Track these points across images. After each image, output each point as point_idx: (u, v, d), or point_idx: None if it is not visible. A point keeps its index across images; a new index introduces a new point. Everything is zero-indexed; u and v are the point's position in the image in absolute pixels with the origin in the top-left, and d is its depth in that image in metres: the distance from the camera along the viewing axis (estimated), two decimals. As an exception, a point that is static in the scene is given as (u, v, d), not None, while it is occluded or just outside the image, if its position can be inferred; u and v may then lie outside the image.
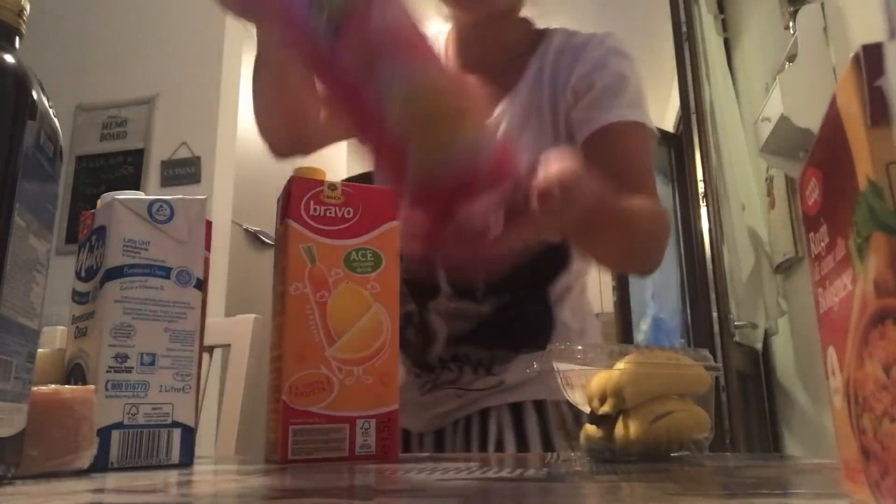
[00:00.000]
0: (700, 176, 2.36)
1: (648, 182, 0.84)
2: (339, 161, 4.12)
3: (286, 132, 0.88)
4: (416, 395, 0.90)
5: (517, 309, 0.86)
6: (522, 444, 0.83)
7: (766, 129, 2.06)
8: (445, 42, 0.96)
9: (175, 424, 0.54)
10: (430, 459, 0.60)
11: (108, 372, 0.52)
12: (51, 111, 0.43)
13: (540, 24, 0.95)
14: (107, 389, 0.51)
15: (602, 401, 0.54)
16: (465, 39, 0.95)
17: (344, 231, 0.61)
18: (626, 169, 0.82)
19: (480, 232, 0.46)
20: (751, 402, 2.45)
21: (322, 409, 0.57)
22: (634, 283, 2.78)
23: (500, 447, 0.84)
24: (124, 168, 2.73)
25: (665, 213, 0.84)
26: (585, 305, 0.92)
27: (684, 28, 2.49)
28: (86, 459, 0.46)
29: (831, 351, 0.26)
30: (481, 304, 0.86)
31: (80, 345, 0.55)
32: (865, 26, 1.59)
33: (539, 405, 0.85)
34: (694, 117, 2.38)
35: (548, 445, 0.82)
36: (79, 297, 0.58)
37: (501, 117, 0.87)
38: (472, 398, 0.87)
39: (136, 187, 2.61)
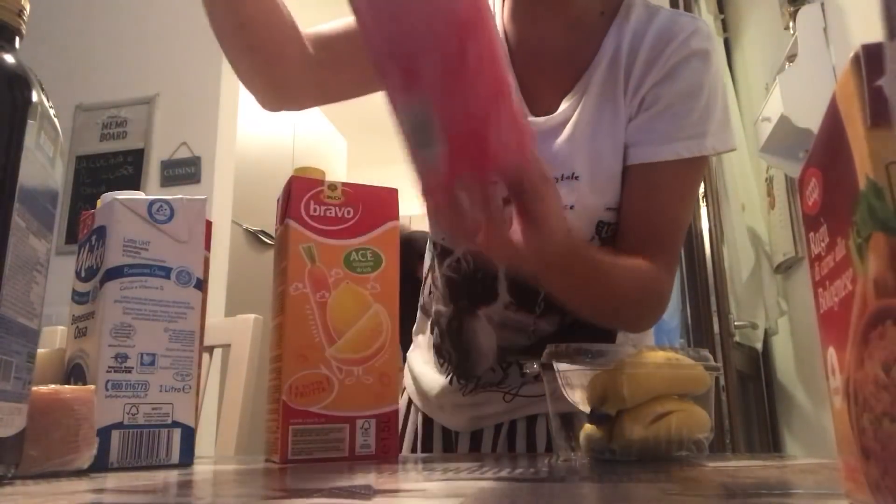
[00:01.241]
0: (700, 176, 2.36)
1: (668, 238, 0.76)
2: (339, 161, 4.13)
3: (261, 75, 0.79)
4: (455, 396, 0.84)
5: (581, 332, 0.78)
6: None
7: (766, 129, 2.06)
8: (502, 9, 0.85)
9: (175, 424, 0.54)
10: (431, 460, 0.60)
11: (108, 372, 0.52)
12: (51, 111, 0.43)
13: None
14: (107, 389, 0.51)
15: (602, 401, 0.54)
16: (521, 16, 0.83)
17: (344, 231, 0.61)
18: (652, 217, 0.75)
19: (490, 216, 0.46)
20: (751, 402, 2.46)
21: (322, 409, 0.57)
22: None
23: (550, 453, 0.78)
24: (124, 168, 2.73)
25: (658, 281, 0.75)
26: (646, 337, 0.86)
27: (684, 28, 2.49)
28: (86, 459, 0.46)
29: (831, 351, 0.26)
30: (539, 319, 0.79)
31: (80, 345, 0.55)
32: (865, 26, 1.59)
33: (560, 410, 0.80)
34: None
35: None
36: (79, 297, 0.58)
37: (572, 109, 0.77)
38: (518, 403, 0.81)
39: (136, 187, 2.61)
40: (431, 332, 0.89)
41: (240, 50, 0.78)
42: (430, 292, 0.91)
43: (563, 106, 0.78)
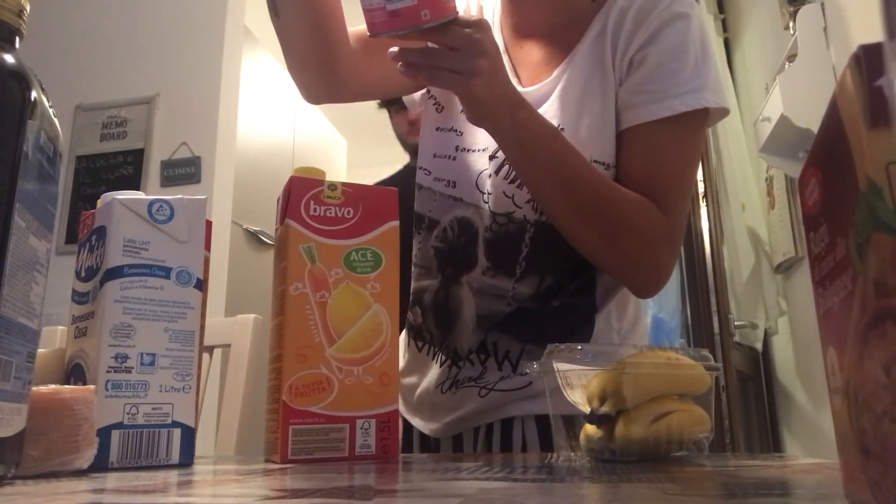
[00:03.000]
0: (700, 176, 2.36)
1: (672, 199, 0.76)
2: (339, 161, 4.13)
3: (320, 57, 0.85)
4: (434, 395, 0.84)
5: (559, 297, 0.80)
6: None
7: (766, 129, 2.06)
8: (500, 23, 0.91)
9: (175, 424, 0.54)
10: (430, 460, 0.60)
11: (108, 372, 0.52)
12: (51, 111, 0.43)
13: None
14: (107, 389, 0.51)
15: (602, 401, 0.54)
16: (514, 6, 0.90)
17: (344, 231, 0.61)
18: (654, 178, 0.76)
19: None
20: (751, 402, 2.46)
21: (322, 408, 0.57)
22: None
23: None
24: (124, 168, 2.73)
25: (664, 226, 0.75)
26: (632, 309, 0.85)
27: (684, 28, 2.49)
28: (86, 459, 0.46)
29: (831, 351, 0.26)
30: (519, 283, 0.79)
31: (80, 345, 0.55)
32: (865, 26, 1.59)
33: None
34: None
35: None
36: (79, 297, 0.58)
37: (561, 76, 0.81)
38: (495, 400, 0.80)
39: (136, 187, 2.61)
40: (411, 319, 0.89)
41: (309, 28, 0.83)
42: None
43: (555, 73, 0.82)
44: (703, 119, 0.78)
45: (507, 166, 0.80)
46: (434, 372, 0.85)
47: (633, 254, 0.76)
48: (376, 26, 0.66)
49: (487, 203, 0.81)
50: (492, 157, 0.82)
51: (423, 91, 0.93)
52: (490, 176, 0.81)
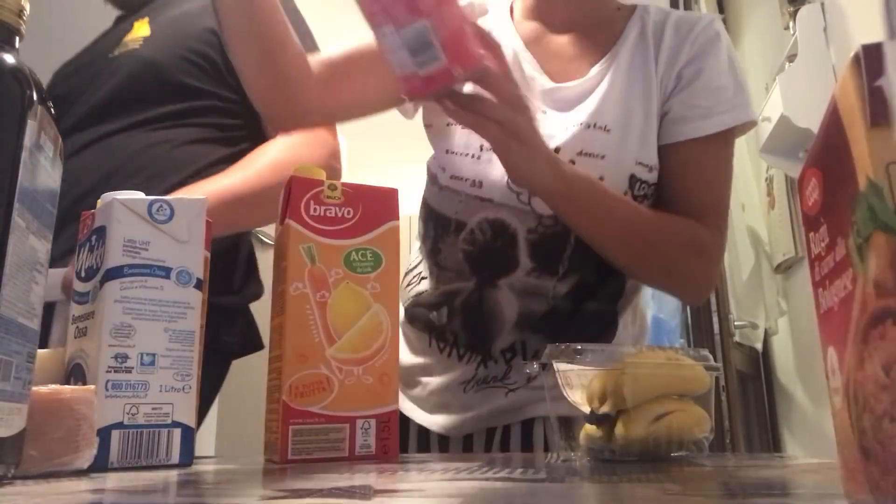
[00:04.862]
0: (700, 176, 2.36)
1: (717, 207, 0.81)
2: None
3: (269, 91, 0.84)
4: (454, 393, 0.83)
5: (594, 300, 0.81)
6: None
7: (766, 129, 2.06)
8: (519, 28, 0.91)
9: (175, 424, 0.54)
10: (431, 460, 0.60)
11: (108, 372, 0.52)
12: (51, 111, 0.43)
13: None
14: (107, 389, 0.51)
15: (602, 401, 0.54)
16: (535, 10, 0.91)
17: (344, 231, 0.61)
18: (703, 189, 0.81)
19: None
20: (751, 402, 2.45)
21: (322, 408, 0.57)
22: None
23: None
24: (124, 168, 2.72)
25: (704, 238, 0.79)
26: (640, 314, 0.89)
27: (684, 28, 2.49)
28: (86, 459, 0.46)
29: (831, 351, 0.26)
30: (560, 282, 0.80)
31: (80, 345, 0.55)
32: (865, 26, 1.59)
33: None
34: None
35: None
36: (79, 297, 0.58)
37: (602, 76, 0.83)
38: (519, 401, 0.80)
39: (136, 187, 2.60)
40: (434, 319, 0.87)
41: (256, 63, 0.82)
42: (410, 282, 0.91)
43: (594, 71, 0.83)
44: (734, 135, 0.83)
45: None
46: (459, 371, 0.84)
47: (686, 273, 0.81)
48: (413, 92, 0.66)
49: (529, 204, 0.80)
50: None
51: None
52: None
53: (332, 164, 1.00)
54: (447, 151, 0.85)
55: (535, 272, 0.80)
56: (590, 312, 0.81)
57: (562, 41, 0.88)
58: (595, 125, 0.79)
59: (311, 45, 1.02)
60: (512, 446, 0.81)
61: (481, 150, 0.82)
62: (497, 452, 0.82)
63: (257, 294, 1.13)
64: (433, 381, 0.86)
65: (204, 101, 1.07)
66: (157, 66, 1.07)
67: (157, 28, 1.13)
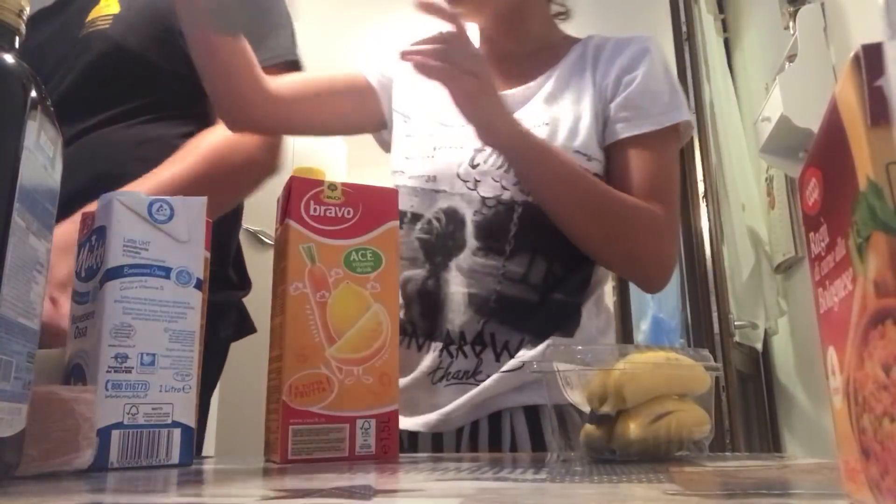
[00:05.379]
0: (700, 176, 2.36)
1: (667, 196, 0.87)
2: (338, 161, 4.12)
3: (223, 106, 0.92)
4: (421, 388, 0.84)
5: (560, 291, 0.85)
6: (539, 450, 0.79)
7: (766, 129, 2.06)
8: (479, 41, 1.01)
9: (175, 424, 0.54)
10: (431, 459, 0.60)
11: (108, 372, 0.52)
12: (51, 111, 0.43)
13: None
14: (107, 389, 0.51)
15: (602, 401, 0.54)
16: (489, 35, 1.00)
17: (344, 231, 0.61)
18: (651, 180, 0.86)
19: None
20: (751, 402, 2.45)
21: (322, 408, 0.57)
22: (635, 283, 2.77)
23: (514, 452, 0.80)
24: (124, 168, 2.72)
25: (661, 219, 0.84)
26: (605, 307, 0.92)
27: (684, 28, 2.49)
28: (86, 459, 0.46)
29: (831, 351, 0.26)
30: (508, 261, 0.84)
31: (80, 345, 0.55)
32: (865, 26, 1.59)
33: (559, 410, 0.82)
34: (694, 117, 2.38)
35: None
36: (79, 297, 0.58)
37: (542, 84, 0.92)
38: (486, 392, 0.81)
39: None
40: None
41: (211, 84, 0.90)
42: None
43: (534, 82, 0.93)
44: (677, 135, 0.90)
45: (493, 155, 0.87)
46: (425, 362, 0.86)
47: (640, 249, 0.85)
48: None
49: (475, 189, 0.87)
50: (478, 150, 0.88)
51: (389, 111, 1.01)
52: (475, 166, 0.88)
53: (264, 156, 1.00)
54: (406, 158, 0.94)
55: (481, 251, 0.85)
56: (555, 303, 0.85)
57: (509, 62, 0.97)
58: (532, 124, 0.86)
59: (290, 50, 1.03)
60: (480, 442, 0.83)
61: (434, 150, 0.91)
62: (466, 450, 0.83)
63: (248, 288, 1.14)
64: (400, 381, 0.87)
65: (183, 86, 1.00)
66: (129, 52, 1.00)
67: (126, 3, 1.04)
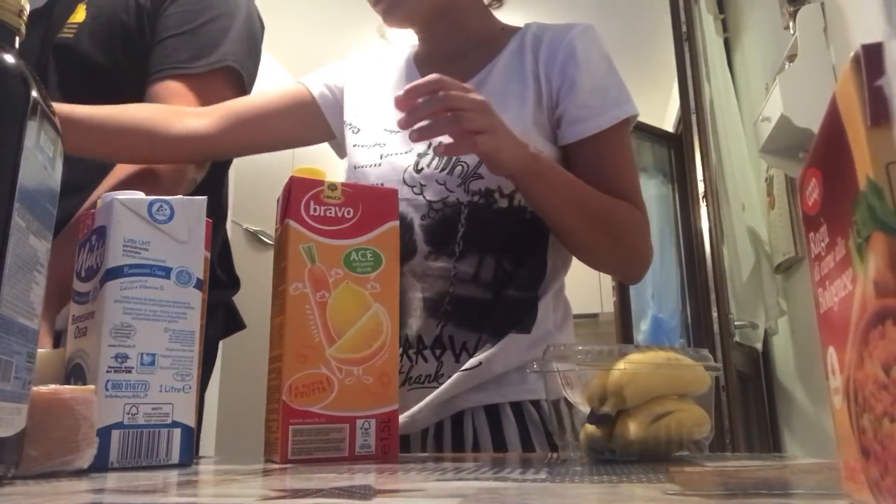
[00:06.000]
0: (700, 176, 2.36)
1: (632, 191, 0.89)
2: (339, 161, 4.12)
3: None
4: None
5: (512, 287, 0.85)
6: (500, 449, 0.81)
7: (766, 129, 2.06)
8: (413, 52, 1.02)
9: (175, 424, 0.54)
10: (431, 459, 0.60)
11: (108, 372, 0.52)
12: (51, 111, 0.43)
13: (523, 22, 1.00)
14: (107, 389, 0.51)
15: (602, 401, 0.54)
16: (424, 38, 1.01)
17: (344, 231, 0.61)
18: (616, 176, 0.88)
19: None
20: (751, 402, 2.45)
21: (322, 408, 0.57)
22: (635, 283, 2.77)
23: (476, 451, 0.81)
24: (124, 168, 2.72)
25: (635, 212, 0.87)
26: (564, 301, 0.92)
27: (684, 28, 2.49)
28: (86, 459, 0.46)
29: (831, 351, 0.26)
30: (459, 262, 0.85)
31: (80, 345, 0.55)
32: (865, 26, 1.59)
33: (517, 407, 0.82)
34: (694, 117, 2.38)
35: (527, 450, 0.80)
36: (79, 297, 0.58)
37: (482, 84, 0.91)
38: (445, 392, 0.82)
39: (136, 187, 2.60)
40: None
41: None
42: None
43: (476, 77, 0.93)
44: (628, 125, 0.91)
45: (437, 159, 0.88)
46: None
47: (632, 248, 0.88)
48: None
49: (421, 194, 0.88)
50: (421, 155, 0.89)
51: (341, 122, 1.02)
52: (420, 171, 0.88)
53: (192, 170, 1.02)
54: (356, 167, 0.94)
55: (432, 255, 0.86)
56: (509, 299, 0.85)
57: (450, 60, 0.97)
58: None
59: (234, 57, 1.04)
60: (445, 443, 0.83)
61: (381, 158, 0.92)
62: (432, 450, 0.83)
63: (237, 287, 1.13)
64: None
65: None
66: (91, 61, 1.02)
67: (92, 13, 1.05)
